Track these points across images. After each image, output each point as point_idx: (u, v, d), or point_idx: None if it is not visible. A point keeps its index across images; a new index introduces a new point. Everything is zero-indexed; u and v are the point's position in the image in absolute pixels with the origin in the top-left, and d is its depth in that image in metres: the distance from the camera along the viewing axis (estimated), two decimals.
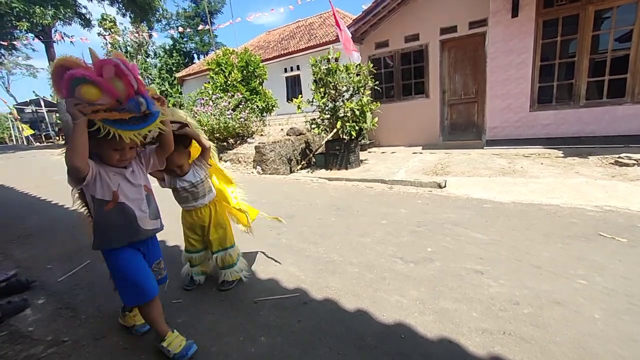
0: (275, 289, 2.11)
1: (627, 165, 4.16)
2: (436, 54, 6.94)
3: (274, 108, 9.51)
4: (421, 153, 6.48)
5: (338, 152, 5.76)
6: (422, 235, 2.78)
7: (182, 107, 11.83)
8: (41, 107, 24.46)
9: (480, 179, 4.36)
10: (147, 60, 30.33)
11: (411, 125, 7.45)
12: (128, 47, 28.63)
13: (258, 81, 9.15)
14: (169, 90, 24.12)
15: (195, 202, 1.99)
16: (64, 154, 1.26)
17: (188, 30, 26.93)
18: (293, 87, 13.95)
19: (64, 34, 16.78)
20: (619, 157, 4.35)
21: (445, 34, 6.77)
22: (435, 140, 7.27)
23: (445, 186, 4.15)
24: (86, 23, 18.52)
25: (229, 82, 8.46)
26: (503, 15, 5.69)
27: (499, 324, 1.63)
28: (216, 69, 8.73)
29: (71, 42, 17.37)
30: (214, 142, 7.62)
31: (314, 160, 6.56)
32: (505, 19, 5.67)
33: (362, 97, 5.81)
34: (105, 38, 25.64)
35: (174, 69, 27.19)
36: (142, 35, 24.65)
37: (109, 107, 1.21)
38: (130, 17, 20.18)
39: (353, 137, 5.79)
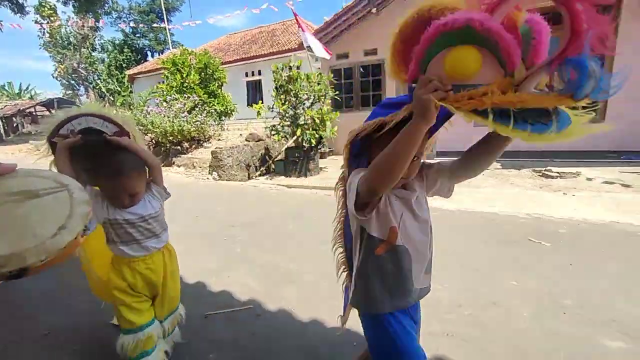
0: (228, 301, 2.03)
1: (552, 177, 4.72)
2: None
3: (233, 112, 9.28)
4: None
5: (298, 159, 5.77)
6: None
7: (132, 107, 11.05)
8: None
9: None
10: (94, 54, 27.93)
11: None
12: (71, 39, 26.13)
13: (217, 84, 8.88)
14: (117, 88, 22.37)
15: (146, 244, 1.33)
16: (370, 174, 0.79)
17: (141, 26, 25.37)
18: (254, 92, 13.76)
19: None
20: (546, 170, 4.92)
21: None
22: None
23: None
24: (18, 8, 16.59)
25: (185, 84, 8.10)
26: None
27: (442, 326, 1.73)
28: (172, 69, 8.31)
29: (0, 29, 15.39)
30: (167, 146, 7.20)
31: (273, 167, 6.49)
32: None
33: (323, 106, 5.91)
34: (42, 26, 23.14)
35: (124, 65, 25.35)
36: (87, 27, 22.68)
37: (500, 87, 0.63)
38: (74, 6, 18.49)
39: (313, 145, 5.85)
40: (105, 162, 1.22)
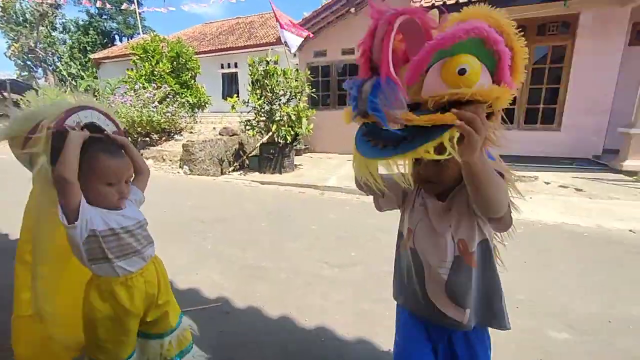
0: (196, 299, 1.99)
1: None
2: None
3: (207, 105, 9.00)
4: (350, 162, 6.84)
5: (272, 155, 5.72)
6: (348, 240, 2.92)
7: (97, 94, 10.38)
8: None
9: None
10: (54, 34, 25.85)
11: (346, 133, 7.73)
12: (27, 15, 24.00)
13: (190, 74, 8.56)
14: (81, 72, 20.89)
15: (143, 256, 1.14)
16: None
17: (108, 7, 23.81)
18: (230, 85, 13.41)
19: None
20: None
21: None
22: None
23: None
24: None
25: (155, 72, 7.73)
26: None
27: None
28: (142, 55, 7.90)
29: None
30: (134, 136, 6.86)
31: (247, 162, 6.39)
32: None
33: (299, 102, 5.89)
34: None
35: (88, 48, 23.71)
36: (47, 3, 20.92)
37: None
38: None
39: (288, 142, 5.82)
40: (99, 146, 1.07)
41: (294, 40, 6.24)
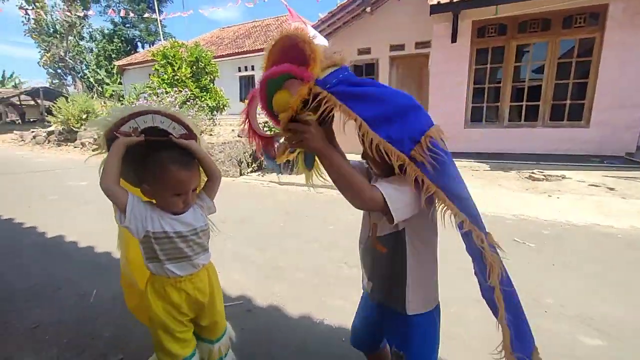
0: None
1: (538, 179, 4.85)
2: (386, 69, 7.36)
3: (225, 107, 9.19)
4: None
5: None
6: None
7: (122, 100, 10.81)
8: None
9: None
10: (81, 43, 27.19)
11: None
12: (57, 26, 25.36)
13: (209, 78, 8.78)
14: (105, 79, 21.84)
15: (194, 263, 1.15)
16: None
17: (132, 15, 24.79)
18: (247, 87, 13.63)
19: None
20: (532, 173, 5.05)
21: (394, 51, 7.22)
22: None
23: None
24: None
25: (177, 77, 7.98)
26: (444, 39, 6.26)
27: None
28: (163, 62, 8.17)
29: None
30: None
31: (265, 163, 6.47)
32: (446, 44, 6.25)
33: None
34: (27, 12, 22.37)
35: (113, 56, 24.75)
36: (75, 14, 22.02)
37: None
38: None
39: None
40: (169, 155, 1.06)
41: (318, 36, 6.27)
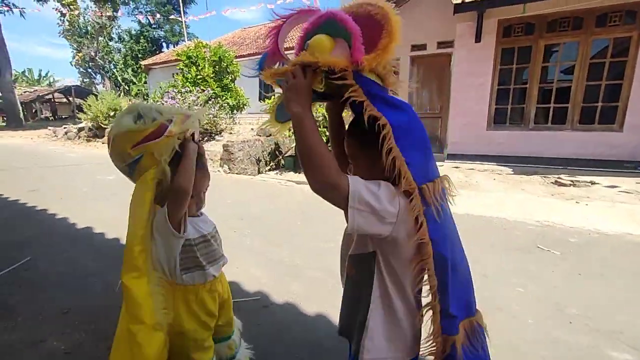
0: (236, 291, 2.08)
1: (564, 185, 4.65)
2: (406, 69, 7.27)
3: (245, 106, 9.35)
4: None
5: None
6: None
7: (146, 98, 11.21)
8: None
9: None
10: (110, 43, 28.39)
11: None
12: (89, 27, 26.60)
13: (230, 78, 8.96)
14: (132, 78, 22.71)
15: (224, 260, 1.20)
16: None
17: (158, 17, 25.64)
18: (267, 87, 13.79)
19: (13, 4, 15.18)
20: (559, 178, 4.84)
21: (415, 51, 7.11)
22: None
23: None
24: None
25: (199, 77, 8.20)
26: (468, 39, 6.11)
27: None
28: (187, 62, 8.41)
29: (21, 13, 15.77)
30: None
31: (283, 162, 6.54)
32: (470, 43, 6.10)
33: None
34: (62, 14, 23.59)
35: (139, 56, 25.70)
36: (105, 16, 23.04)
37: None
38: None
39: (324, 142, 5.86)
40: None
41: None
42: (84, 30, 26.69)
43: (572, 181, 4.67)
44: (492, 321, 1.79)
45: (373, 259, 0.76)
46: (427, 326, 0.80)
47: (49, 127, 13.66)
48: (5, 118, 19.02)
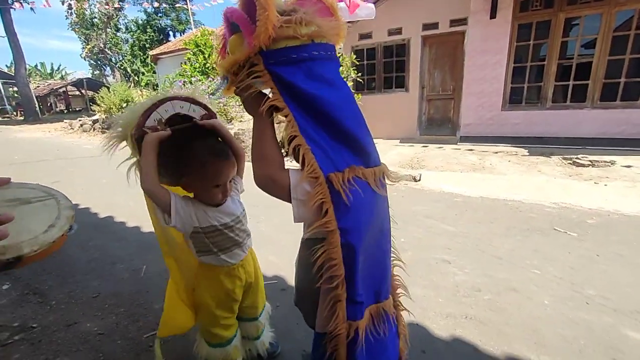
0: None
1: (583, 165, 4.52)
2: (417, 49, 7.06)
3: None
4: (400, 146, 6.66)
5: None
6: (397, 226, 2.89)
7: (156, 89, 11.29)
8: None
9: (452, 173, 4.57)
10: (118, 34, 28.45)
11: (391, 118, 7.60)
12: (95, 19, 26.67)
13: None
14: (141, 68, 22.81)
15: (243, 248, 1.21)
16: None
17: (163, 5, 25.43)
18: None
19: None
20: (577, 158, 4.71)
21: (427, 30, 6.88)
22: (412, 134, 7.47)
23: (420, 180, 4.32)
24: None
25: (207, 65, 8.17)
26: (482, 15, 5.86)
27: (461, 309, 1.78)
28: (195, 50, 8.38)
29: (31, 8, 15.88)
30: None
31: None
32: (484, 20, 5.85)
33: None
34: (70, 7, 23.69)
35: (147, 45, 25.72)
36: (112, 6, 22.99)
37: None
38: None
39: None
40: (205, 145, 1.05)
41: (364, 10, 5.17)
42: (91, 23, 26.78)
43: (590, 161, 4.53)
44: (507, 301, 1.82)
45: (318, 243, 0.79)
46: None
47: (65, 120, 13.99)
48: (22, 112, 19.55)
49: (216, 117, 1.13)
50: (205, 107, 1.11)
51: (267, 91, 0.76)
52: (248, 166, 0.99)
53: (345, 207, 0.71)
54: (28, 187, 0.80)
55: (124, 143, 1.06)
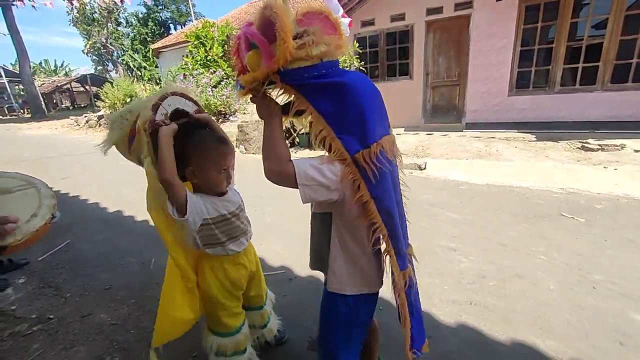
0: (262, 266, 2.18)
1: (592, 150, 4.44)
2: (421, 35, 6.90)
3: None
4: (405, 134, 6.60)
5: None
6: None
7: (159, 83, 11.29)
8: (1, 77, 22.59)
9: (458, 161, 4.53)
10: (119, 29, 28.32)
11: (395, 106, 7.47)
12: (95, 15, 26.54)
13: None
14: (143, 63, 22.75)
15: (247, 236, 1.25)
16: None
17: None
18: None
19: None
20: (586, 142, 4.62)
21: (431, 15, 6.71)
22: (417, 122, 7.38)
23: (425, 168, 4.29)
24: None
25: (209, 57, 8.13)
26: None
27: (466, 296, 1.79)
28: (195, 42, 8.33)
29: (33, 5, 15.86)
30: None
31: (297, 140, 6.54)
32: (490, 3, 5.69)
33: None
34: (71, 3, 23.56)
35: (148, 39, 25.58)
36: (112, 0, 22.82)
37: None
38: None
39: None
40: (209, 133, 1.10)
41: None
42: (91, 18, 26.67)
43: (600, 145, 4.44)
44: (513, 288, 1.83)
45: (330, 216, 0.92)
46: (388, 267, 0.96)
47: (71, 117, 14.10)
48: (29, 110, 19.76)
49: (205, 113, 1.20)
50: (196, 103, 1.17)
51: (274, 96, 0.87)
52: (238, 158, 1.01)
53: (374, 178, 0.82)
54: (8, 177, 0.81)
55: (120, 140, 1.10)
